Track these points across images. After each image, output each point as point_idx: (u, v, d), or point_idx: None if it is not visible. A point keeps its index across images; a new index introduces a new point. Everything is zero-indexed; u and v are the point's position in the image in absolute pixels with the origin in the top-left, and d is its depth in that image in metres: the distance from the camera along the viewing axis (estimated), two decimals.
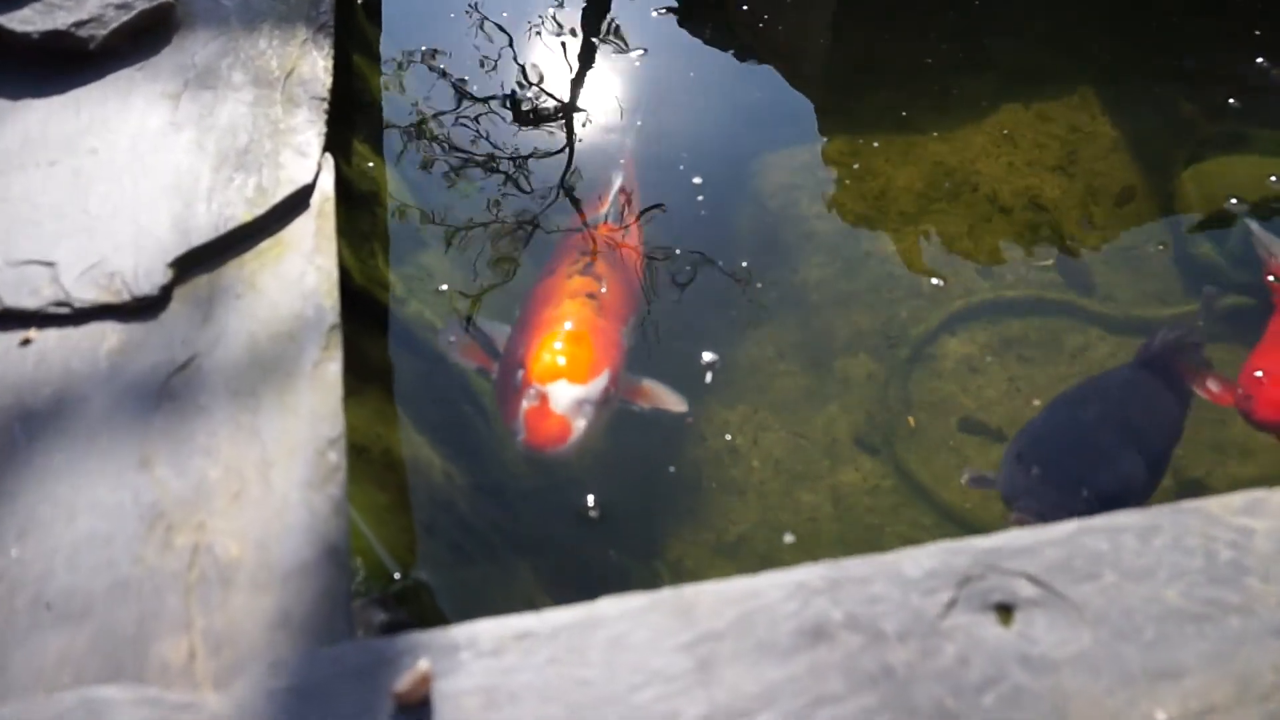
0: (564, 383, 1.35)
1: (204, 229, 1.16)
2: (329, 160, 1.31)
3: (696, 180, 2.12)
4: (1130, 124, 2.24)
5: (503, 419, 1.41)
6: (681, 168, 2.17)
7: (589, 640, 0.77)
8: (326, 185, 1.27)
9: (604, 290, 1.57)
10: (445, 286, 1.84)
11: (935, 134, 2.30)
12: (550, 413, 1.32)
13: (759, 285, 1.98)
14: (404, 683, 0.72)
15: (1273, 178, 2.08)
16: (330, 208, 1.25)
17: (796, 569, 0.84)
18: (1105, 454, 1.36)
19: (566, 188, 1.92)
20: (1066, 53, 2.41)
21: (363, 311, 1.71)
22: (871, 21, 2.52)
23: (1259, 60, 2.27)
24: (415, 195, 2.09)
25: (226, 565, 0.85)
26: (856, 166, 2.25)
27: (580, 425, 1.33)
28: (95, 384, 1.00)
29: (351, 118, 2.03)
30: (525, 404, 1.33)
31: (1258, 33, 2.28)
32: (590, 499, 1.43)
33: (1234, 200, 2.05)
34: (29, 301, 1.05)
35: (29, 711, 0.73)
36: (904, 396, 1.83)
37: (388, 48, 2.35)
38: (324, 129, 1.33)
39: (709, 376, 1.73)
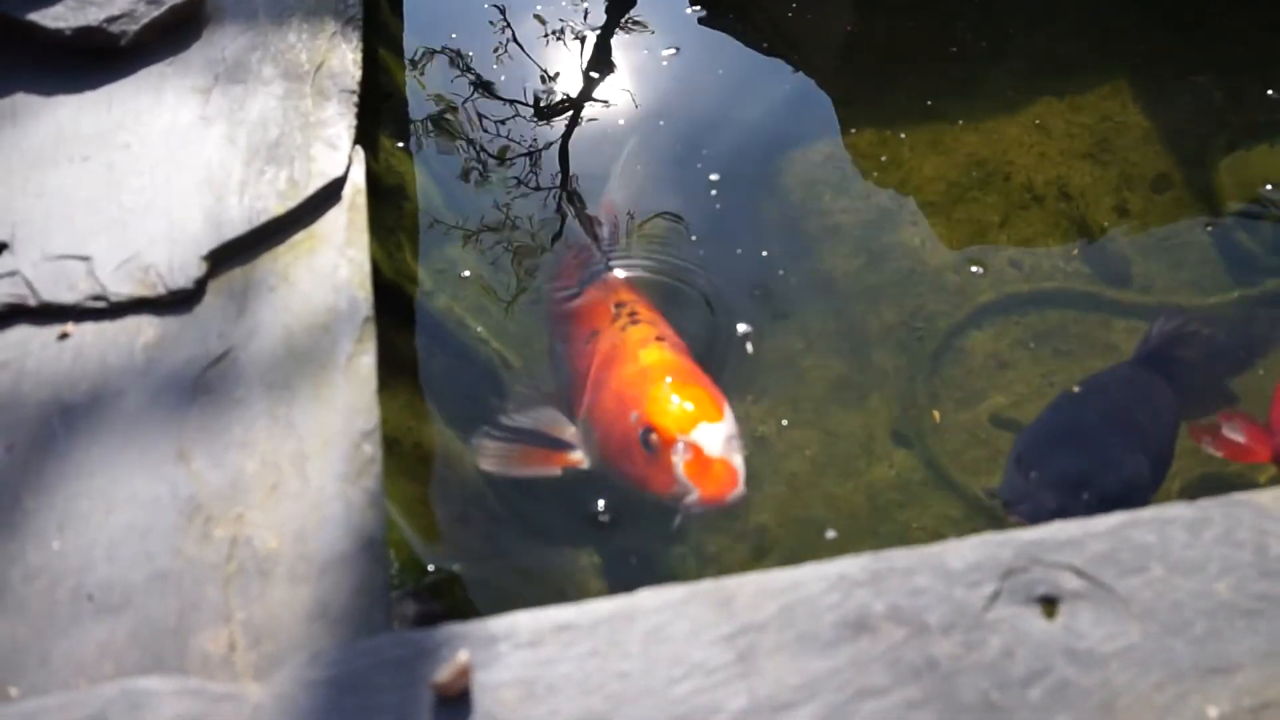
0: (706, 425, 1.24)
1: (236, 222, 1.16)
2: (359, 153, 1.31)
3: (714, 177, 2.11)
4: (1164, 113, 2.20)
5: (653, 491, 1.25)
6: (699, 165, 2.16)
7: (628, 632, 0.76)
8: (358, 177, 1.27)
9: (660, 329, 1.48)
10: (467, 273, 1.83)
11: (962, 123, 2.28)
12: (710, 460, 1.21)
13: (784, 278, 1.97)
14: (444, 674, 0.72)
15: None
16: (362, 200, 1.25)
17: (838, 560, 0.83)
18: (1107, 456, 1.33)
19: (563, 236, 1.83)
20: (1098, 41, 2.37)
21: (392, 305, 1.71)
22: (895, 11, 2.49)
23: None
24: (442, 188, 2.09)
25: (265, 557, 0.85)
26: (883, 158, 2.22)
27: (740, 461, 1.24)
28: (132, 378, 1.01)
29: (377, 111, 2.03)
30: (678, 462, 1.21)
31: None
32: (601, 503, 1.41)
33: (1269, 187, 2.01)
34: (66, 296, 1.06)
35: (71, 702, 0.73)
36: (931, 390, 1.81)
37: (411, 41, 2.35)
38: (354, 121, 1.34)
39: (749, 347, 1.70)
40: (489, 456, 1.33)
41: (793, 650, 0.76)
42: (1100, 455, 1.37)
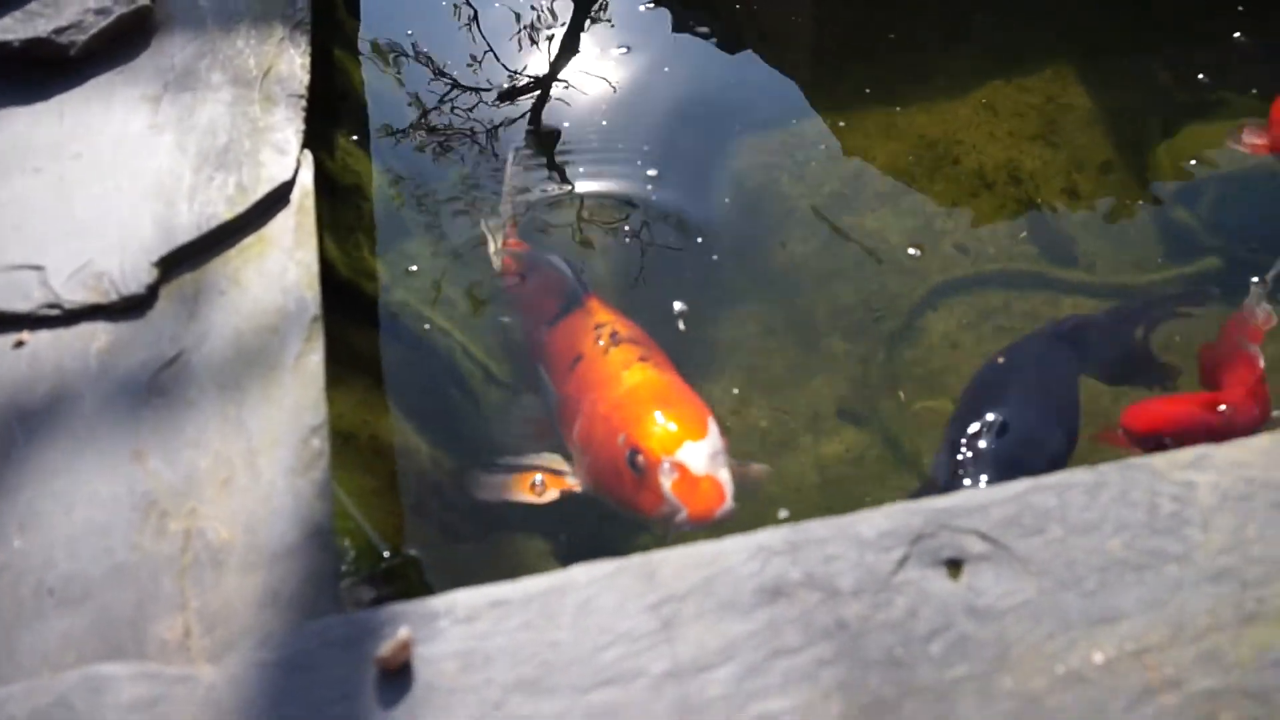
0: (690, 444, 1.27)
1: (187, 228, 1.21)
2: (308, 156, 1.36)
3: (661, 167, 2.16)
4: (1108, 95, 2.28)
5: (643, 512, 1.28)
6: (662, 153, 2.21)
7: (559, 605, 0.82)
8: (306, 181, 1.31)
9: (643, 348, 1.51)
10: (426, 267, 1.88)
11: (916, 108, 2.34)
12: (696, 479, 1.24)
13: (741, 264, 2.03)
14: (386, 649, 0.78)
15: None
16: (310, 203, 1.30)
17: (759, 533, 0.89)
18: (1033, 437, 1.40)
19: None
20: (1048, 28, 2.43)
21: (349, 302, 1.76)
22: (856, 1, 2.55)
23: (1235, 35, 2.30)
24: (400, 185, 2.14)
25: (218, 549, 0.91)
26: (838, 143, 2.28)
27: (726, 477, 1.26)
28: (87, 382, 1.06)
29: (334, 112, 2.07)
30: (665, 483, 1.24)
31: (1240, 8, 2.31)
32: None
33: (1193, 162, 2.09)
34: (20, 305, 1.11)
35: (36, 689, 0.79)
36: (889, 370, 1.87)
37: (368, 40, 2.38)
38: (302, 126, 1.38)
39: (681, 324, 1.75)
40: (494, 488, 1.38)
41: (713, 616, 0.82)
42: (1028, 436, 1.45)
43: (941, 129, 2.31)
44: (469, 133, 2.23)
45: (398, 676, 0.78)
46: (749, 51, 2.46)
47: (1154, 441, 1.37)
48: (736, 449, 1.73)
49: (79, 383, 1.05)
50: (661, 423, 1.30)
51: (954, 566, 0.87)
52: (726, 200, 2.15)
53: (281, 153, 1.32)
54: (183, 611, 0.86)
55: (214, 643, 0.84)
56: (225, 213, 1.23)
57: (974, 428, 1.48)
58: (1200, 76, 2.22)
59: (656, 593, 0.83)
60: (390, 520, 1.28)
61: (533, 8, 2.51)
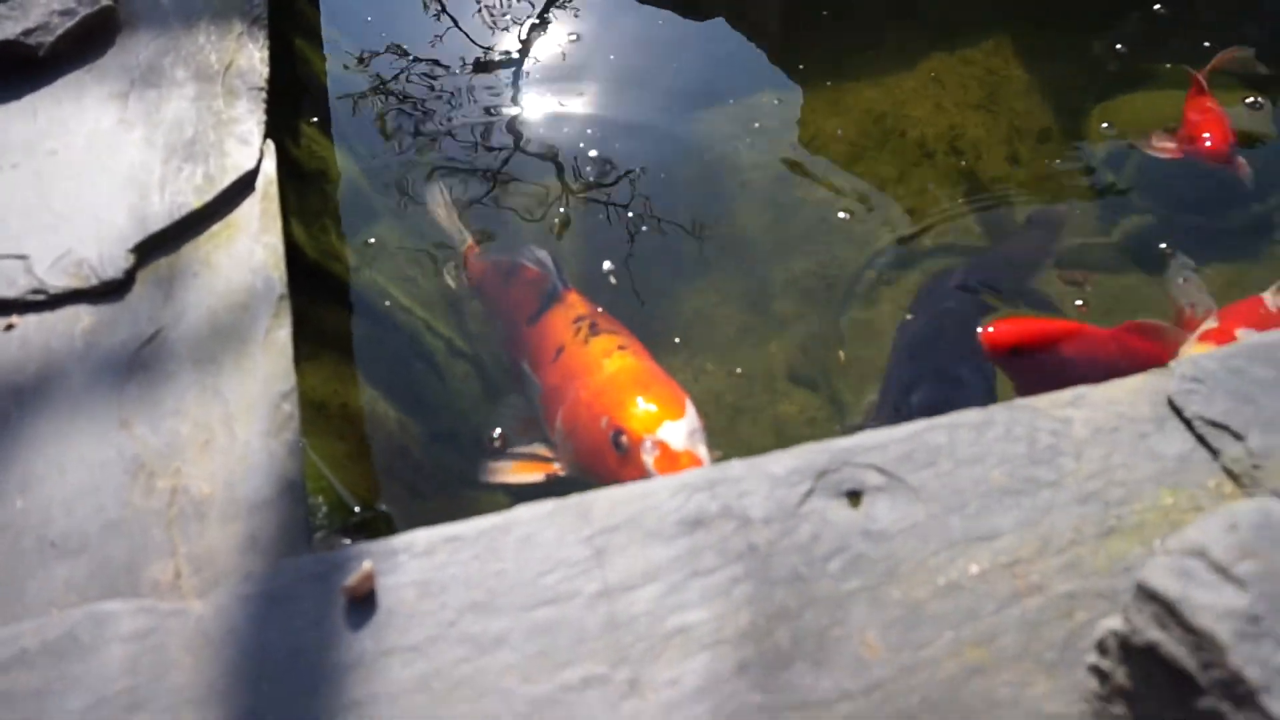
0: (670, 423, 1.38)
1: (159, 216, 1.32)
2: (270, 146, 1.47)
3: (629, 140, 2.28)
4: (1045, 67, 2.41)
5: None
6: (623, 126, 2.33)
7: (505, 539, 0.95)
8: (269, 169, 1.43)
9: (621, 337, 1.63)
10: (373, 240, 1.98)
11: (865, 82, 2.47)
12: (676, 454, 1.34)
13: (700, 236, 2.15)
14: (351, 580, 0.91)
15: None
16: (274, 190, 1.41)
17: (684, 474, 1.02)
18: (962, 385, 1.54)
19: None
20: (987, 3, 2.56)
21: (318, 284, 1.88)
22: None
23: (1155, 7, 2.43)
24: (364, 169, 2.25)
25: (201, 502, 1.03)
26: (793, 115, 2.41)
27: (704, 452, 1.36)
28: (74, 360, 1.17)
29: (297, 100, 2.18)
30: (647, 460, 1.34)
31: None
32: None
33: (1105, 125, 2.23)
34: (8, 292, 1.22)
35: (46, 625, 0.91)
36: (838, 334, 2.01)
37: (329, 28, 2.48)
38: (264, 117, 1.49)
39: (613, 280, 1.87)
40: (491, 473, 1.52)
41: (640, 545, 0.95)
42: (955, 385, 1.59)
43: (889, 102, 2.44)
44: (429, 113, 2.34)
45: (363, 604, 0.91)
46: (708, 24, 2.57)
47: (1018, 359, 1.53)
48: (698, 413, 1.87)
49: (66, 361, 1.17)
50: (642, 405, 1.43)
51: (854, 497, 1.01)
52: (685, 173, 2.28)
53: (245, 143, 1.43)
54: (173, 557, 0.98)
55: (201, 581, 0.97)
56: (194, 201, 1.34)
57: (906, 381, 1.62)
58: (1125, 47, 2.36)
59: (590, 527, 0.97)
60: (362, 481, 1.41)
61: None
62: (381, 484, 1.42)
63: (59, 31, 1.53)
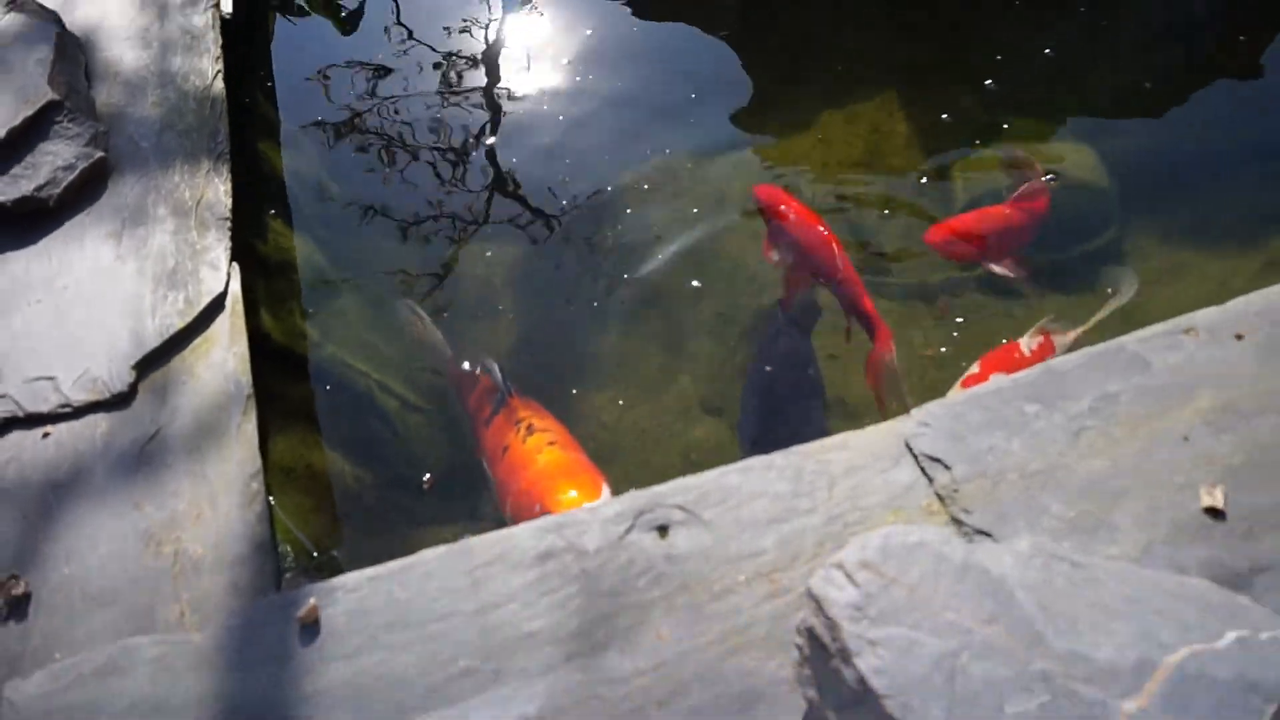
0: (589, 505, 1.59)
1: (153, 337, 1.78)
2: (235, 268, 1.92)
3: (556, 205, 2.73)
4: (923, 120, 2.85)
5: None
6: (553, 192, 2.78)
7: (411, 575, 1.40)
8: (235, 289, 1.88)
9: (552, 434, 2.08)
10: (349, 320, 2.43)
11: (765, 140, 2.91)
12: None
13: (621, 287, 2.60)
14: (301, 611, 1.36)
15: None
16: (240, 306, 1.86)
17: (541, 519, 1.47)
18: (809, 418, 1.99)
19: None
20: (872, 62, 3.00)
21: (286, 364, 2.33)
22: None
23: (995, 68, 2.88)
24: (326, 251, 2.70)
25: (197, 561, 1.48)
26: (704, 173, 2.85)
27: None
28: (96, 458, 1.63)
29: (261, 197, 2.63)
30: None
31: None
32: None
33: (968, 175, 2.69)
34: (43, 407, 1.68)
35: (92, 657, 1.36)
36: (740, 366, 2.45)
37: (287, 125, 2.93)
38: (229, 244, 1.94)
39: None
40: None
41: (506, 574, 1.40)
42: (804, 419, 2.03)
43: (785, 160, 2.88)
44: (379, 207, 2.79)
45: (312, 628, 1.36)
46: (603, 93, 3.01)
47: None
48: (620, 444, 2.31)
49: (90, 459, 1.63)
50: (566, 492, 1.88)
51: (663, 530, 1.45)
52: (610, 230, 2.73)
53: (215, 269, 1.89)
54: (178, 602, 1.44)
55: (200, 618, 1.42)
56: (179, 323, 1.79)
57: (761, 420, 2.07)
58: (989, 102, 2.80)
59: (472, 562, 1.41)
60: (323, 529, 1.86)
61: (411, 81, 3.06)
62: (341, 530, 1.88)
63: (64, 184, 1.98)
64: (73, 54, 2.15)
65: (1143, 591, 1.15)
